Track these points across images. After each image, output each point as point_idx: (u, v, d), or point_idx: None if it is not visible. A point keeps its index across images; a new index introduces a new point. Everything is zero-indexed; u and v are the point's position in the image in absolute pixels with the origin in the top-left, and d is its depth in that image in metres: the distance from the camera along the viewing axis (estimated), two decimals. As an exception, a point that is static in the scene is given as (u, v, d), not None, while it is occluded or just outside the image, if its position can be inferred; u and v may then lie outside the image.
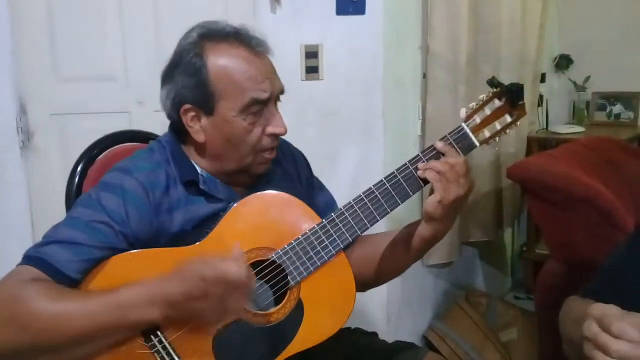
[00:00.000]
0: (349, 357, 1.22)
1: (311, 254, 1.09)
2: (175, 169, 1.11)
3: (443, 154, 1.09)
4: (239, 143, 1.10)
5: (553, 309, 1.06)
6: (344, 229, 1.10)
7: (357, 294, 1.12)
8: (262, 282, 1.09)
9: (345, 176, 2.05)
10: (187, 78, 1.08)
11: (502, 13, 2.46)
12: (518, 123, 1.15)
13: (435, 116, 2.23)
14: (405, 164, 1.10)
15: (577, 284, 1.06)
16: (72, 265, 0.99)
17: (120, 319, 0.95)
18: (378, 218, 1.10)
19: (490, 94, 1.13)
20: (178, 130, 1.15)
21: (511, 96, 1.12)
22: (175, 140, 1.15)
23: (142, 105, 1.79)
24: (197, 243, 1.07)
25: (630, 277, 0.99)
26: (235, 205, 1.10)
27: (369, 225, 1.11)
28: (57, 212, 1.21)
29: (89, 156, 1.31)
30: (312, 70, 2.00)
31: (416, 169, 1.09)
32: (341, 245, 1.10)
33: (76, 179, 1.29)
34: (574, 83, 3.20)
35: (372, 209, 1.10)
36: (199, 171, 1.13)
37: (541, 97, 2.97)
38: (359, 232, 1.11)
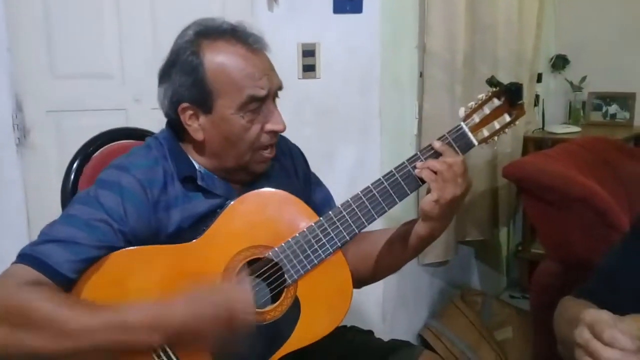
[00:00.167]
0: (345, 356, 1.22)
1: (308, 252, 1.08)
2: (173, 165, 1.11)
3: (441, 154, 1.09)
4: (237, 141, 1.10)
5: (548, 308, 1.06)
6: (341, 228, 1.09)
7: (353, 291, 1.12)
8: (259, 280, 1.09)
9: (342, 175, 2.05)
10: (185, 77, 1.08)
11: (499, 13, 2.47)
12: (517, 122, 1.15)
13: (432, 115, 2.23)
14: (404, 162, 1.10)
15: (573, 284, 1.06)
16: (70, 265, 0.98)
17: (119, 341, 0.93)
18: (376, 217, 1.10)
19: (490, 93, 1.12)
20: (176, 128, 1.14)
21: (510, 95, 1.12)
22: (173, 137, 1.14)
23: (139, 103, 1.78)
24: (194, 240, 1.07)
25: (625, 276, 0.99)
26: (232, 202, 1.10)
27: (366, 223, 1.10)
28: (53, 209, 1.21)
29: (85, 153, 1.31)
30: (309, 69, 1.99)
31: (414, 167, 1.09)
32: (339, 244, 1.10)
33: (72, 176, 1.28)
34: (570, 83, 3.21)
35: (370, 207, 1.09)
36: (197, 167, 1.13)
37: (537, 97, 2.97)
38: (357, 231, 1.10)
